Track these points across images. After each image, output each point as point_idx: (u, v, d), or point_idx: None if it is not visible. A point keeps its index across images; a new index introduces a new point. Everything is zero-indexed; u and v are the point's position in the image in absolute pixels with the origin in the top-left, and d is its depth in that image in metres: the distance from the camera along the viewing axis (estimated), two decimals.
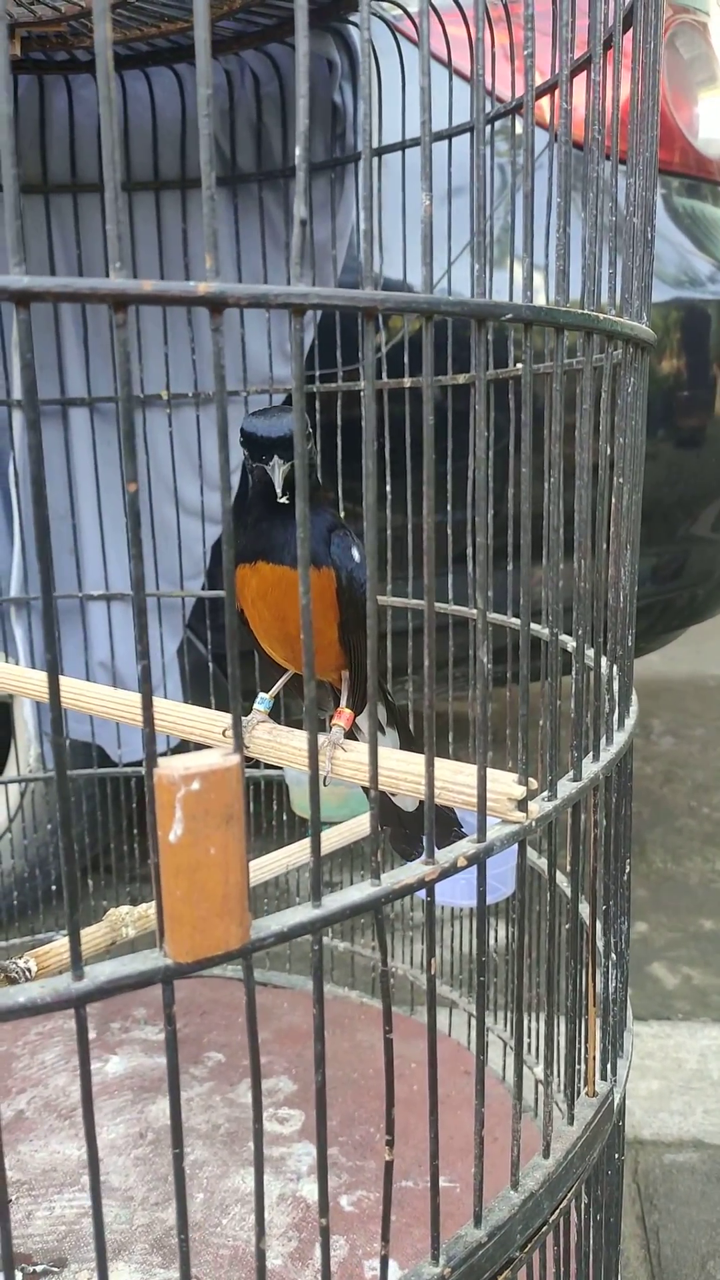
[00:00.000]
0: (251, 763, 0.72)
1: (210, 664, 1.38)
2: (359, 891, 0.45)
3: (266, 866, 1.03)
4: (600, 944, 0.67)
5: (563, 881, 1.09)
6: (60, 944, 0.85)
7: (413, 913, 1.43)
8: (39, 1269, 0.94)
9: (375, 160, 1.12)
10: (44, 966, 0.82)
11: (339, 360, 1.23)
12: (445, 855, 0.48)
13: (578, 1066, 0.64)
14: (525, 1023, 1.25)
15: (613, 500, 0.64)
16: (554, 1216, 0.60)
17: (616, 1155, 0.75)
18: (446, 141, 1.06)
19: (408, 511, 1.23)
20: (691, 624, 1.78)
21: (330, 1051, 1.26)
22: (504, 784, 0.51)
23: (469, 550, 1.14)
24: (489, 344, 0.44)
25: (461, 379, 1.05)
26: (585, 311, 0.50)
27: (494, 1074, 1.25)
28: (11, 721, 1.59)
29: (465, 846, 0.48)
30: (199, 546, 1.35)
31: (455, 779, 0.54)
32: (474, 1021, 1.28)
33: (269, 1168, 1.06)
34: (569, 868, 0.61)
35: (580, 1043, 0.67)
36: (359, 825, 1.07)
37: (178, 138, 1.22)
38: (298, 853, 1.05)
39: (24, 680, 0.81)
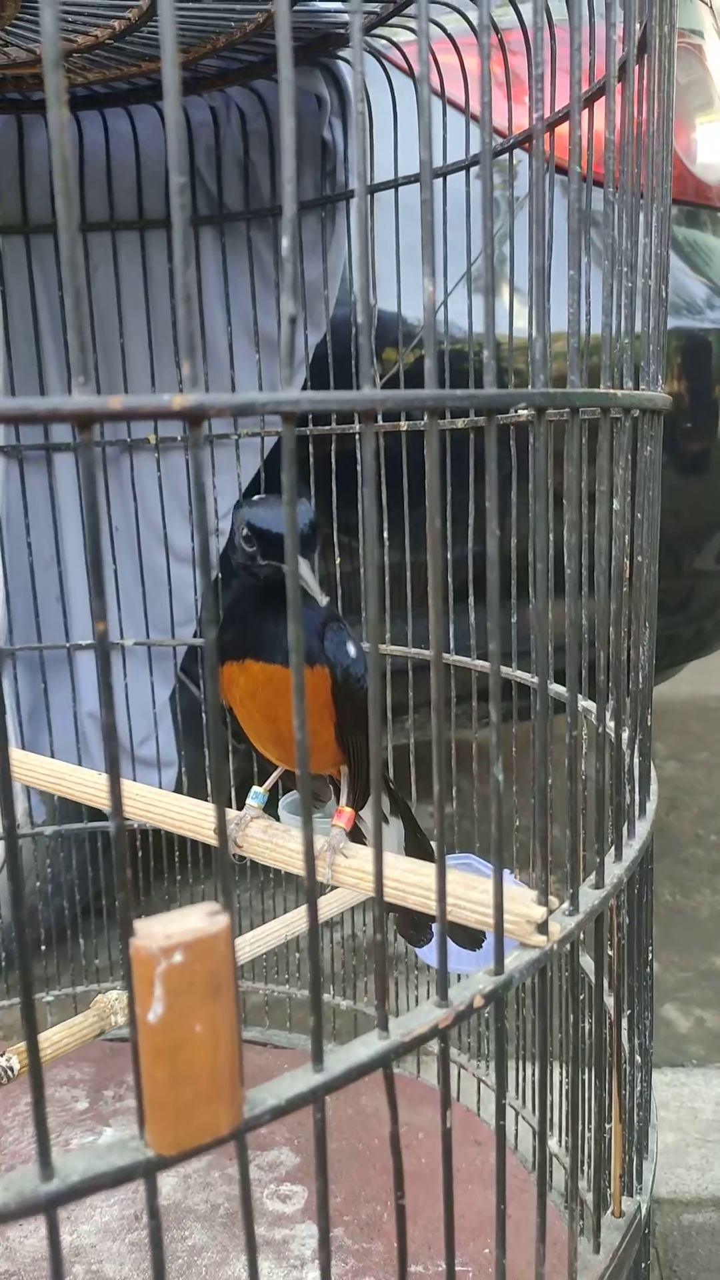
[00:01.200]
0: None
1: (204, 711, 1.34)
2: (365, 1048, 0.40)
3: (264, 938, 0.98)
4: (625, 1047, 0.62)
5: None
6: (43, 1038, 0.80)
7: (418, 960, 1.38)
8: None
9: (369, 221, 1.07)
10: (26, 1065, 0.78)
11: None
12: (460, 995, 0.43)
13: (602, 1189, 0.59)
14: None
15: (629, 561, 0.60)
16: None
17: (644, 1265, 0.70)
18: (441, 179, 1.02)
19: (405, 548, 1.18)
20: (697, 657, 1.74)
21: (333, 1121, 1.21)
22: (522, 904, 0.47)
23: (472, 588, 1.10)
24: (496, 432, 0.40)
25: (460, 424, 1.01)
26: (603, 390, 0.46)
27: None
28: None
29: (481, 983, 0.44)
30: (190, 593, 1.31)
31: (468, 895, 0.49)
32: (481, 1086, 1.23)
33: (271, 1252, 1.00)
34: (591, 955, 0.57)
35: (606, 1152, 0.63)
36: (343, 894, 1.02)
37: (162, 176, 1.18)
38: (297, 921, 1.00)
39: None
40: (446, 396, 0.37)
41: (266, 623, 0.61)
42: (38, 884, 1.45)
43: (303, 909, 1.02)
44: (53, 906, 1.47)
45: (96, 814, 1.41)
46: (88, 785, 0.71)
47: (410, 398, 0.36)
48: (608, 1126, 0.62)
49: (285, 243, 0.32)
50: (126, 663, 1.29)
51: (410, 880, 0.53)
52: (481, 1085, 1.21)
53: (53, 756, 1.07)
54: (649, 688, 0.62)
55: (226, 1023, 0.35)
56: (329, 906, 1.04)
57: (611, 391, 0.47)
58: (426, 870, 0.52)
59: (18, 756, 0.76)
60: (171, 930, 0.34)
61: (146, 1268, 1.00)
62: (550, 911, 0.48)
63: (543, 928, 0.47)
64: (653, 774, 0.69)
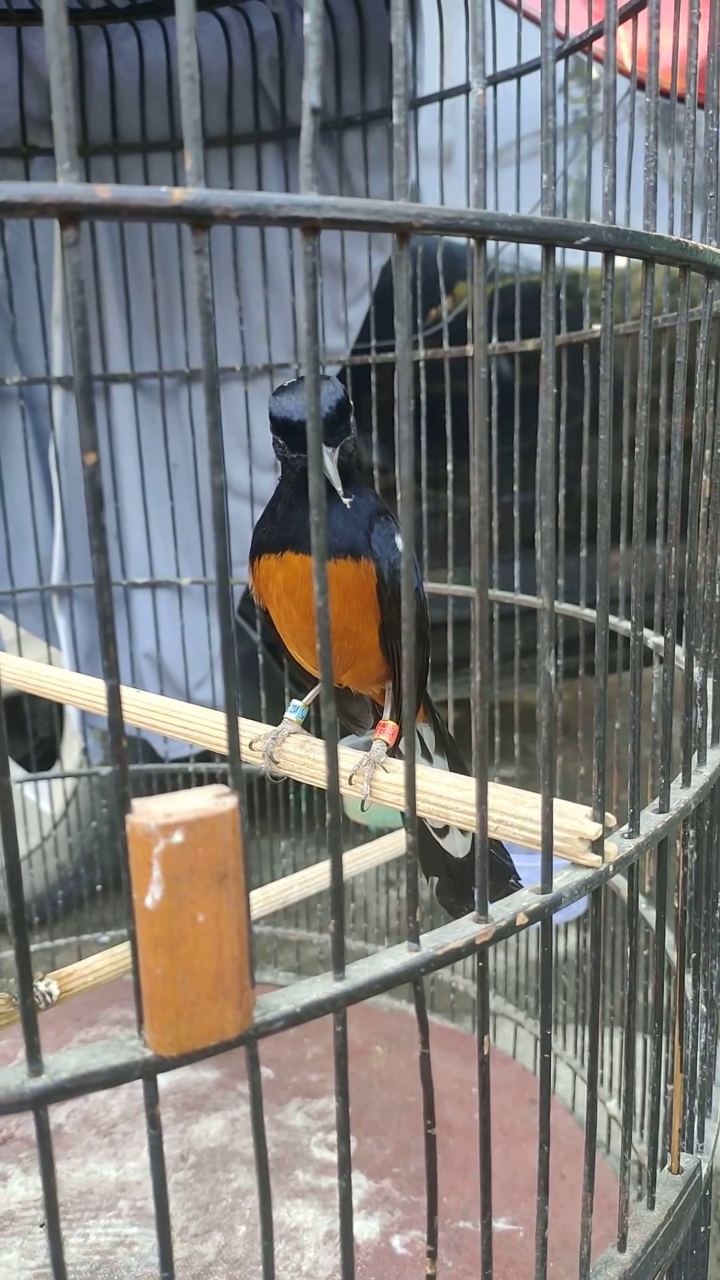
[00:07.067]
0: None
1: (260, 654, 1.31)
2: (393, 958, 0.36)
3: (314, 879, 0.95)
4: (689, 996, 0.58)
5: (644, 903, 0.99)
6: (85, 965, 0.78)
7: None
8: None
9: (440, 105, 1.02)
10: (66, 990, 0.76)
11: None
12: (501, 911, 0.39)
13: (660, 1143, 0.55)
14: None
15: (705, 474, 0.54)
16: None
17: (703, 1229, 0.65)
18: (515, 82, 0.96)
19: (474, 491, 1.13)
20: None
21: (385, 1073, 1.19)
22: (575, 820, 0.42)
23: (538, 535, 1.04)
24: (555, 273, 0.35)
25: (530, 345, 0.95)
26: (682, 239, 0.40)
27: (561, 1103, 1.16)
28: (63, 715, 1.54)
29: (526, 899, 0.40)
30: (248, 531, 1.27)
31: (515, 811, 0.45)
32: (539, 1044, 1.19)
33: (317, 1200, 0.98)
34: (650, 897, 0.52)
35: (663, 1109, 0.58)
36: (400, 840, 0.99)
37: (164, 95, 1.14)
38: (349, 863, 0.97)
39: (39, 678, 0.75)
40: (495, 218, 0.32)
41: (308, 513, 0.56)
42: (93, 824, 1.45)
43: (356, 851, 0.99)
44: (109, 849, 1.47)
45: (152, 756, 1.39)
46: (125, 702, 0.69)
47: (452, 214, 0.31)
48: (669, 1087, 0.58)
49: (307, 19, 0.28)
50: (183, 603, 1.27)
51: (453, 796, 0.49)
52: (538, 1041, 1.17)
53: None
54: None
55: (234, 916, 0.31)
56: (368, 858, 1.01)
57: (695, 244, 0.41)
58: (469, 786, 0.48)
59: (62, 678, 0.74)
60: (172, 809, 0.30)
61: (191, 1205, 0.98)
62: (607, 830, 0.43)
63: (597, 846, 0.42)
64: None
